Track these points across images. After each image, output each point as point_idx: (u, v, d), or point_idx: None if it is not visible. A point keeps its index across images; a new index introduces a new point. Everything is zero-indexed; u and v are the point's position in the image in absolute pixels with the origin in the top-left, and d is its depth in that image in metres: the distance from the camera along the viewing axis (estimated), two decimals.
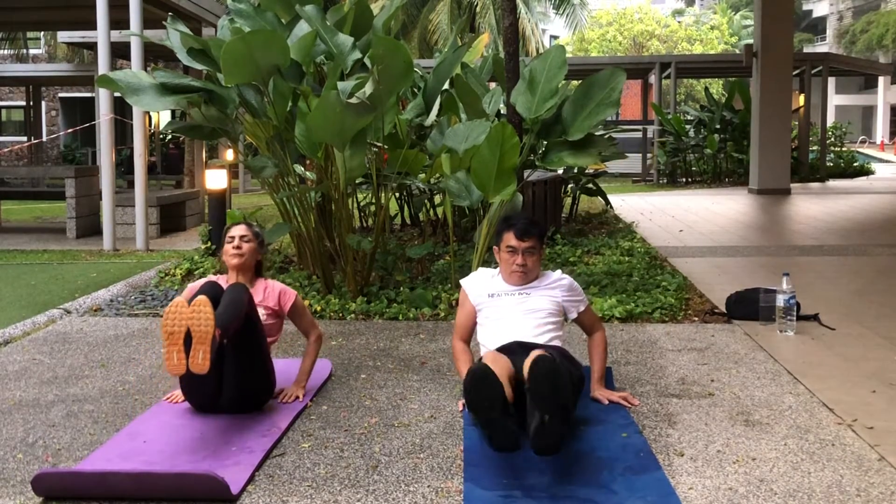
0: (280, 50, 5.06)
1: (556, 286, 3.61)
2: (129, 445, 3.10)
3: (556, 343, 3.47)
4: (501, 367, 3.07)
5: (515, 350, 3.33)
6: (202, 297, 3.07)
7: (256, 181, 13.80)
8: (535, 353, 2.93)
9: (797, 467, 2.87)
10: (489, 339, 3.52)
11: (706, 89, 23.21)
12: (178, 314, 3.04)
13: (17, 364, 4.30)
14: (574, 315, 3.65)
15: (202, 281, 3.66)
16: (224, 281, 3.72)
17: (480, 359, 3.33)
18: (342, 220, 5.82)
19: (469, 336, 3.69)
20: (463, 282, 3.76)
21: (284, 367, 4.01)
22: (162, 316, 3.07)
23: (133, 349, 4.58)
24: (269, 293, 3.75)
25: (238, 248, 3.70)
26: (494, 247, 3.68)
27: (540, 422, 2.67)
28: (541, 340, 3.42)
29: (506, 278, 3.62)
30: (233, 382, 3.36)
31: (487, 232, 5.46)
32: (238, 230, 3.76)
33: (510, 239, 3.55)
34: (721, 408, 3.50)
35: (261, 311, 3.66)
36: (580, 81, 5.91)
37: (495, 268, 3.74)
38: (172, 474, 2.76)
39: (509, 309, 3.54)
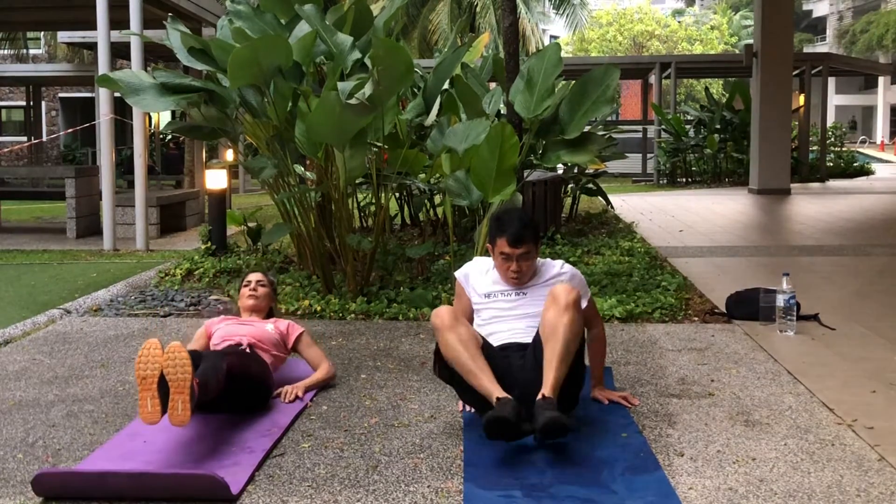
0: (284, 53, 5.07)
1: (557, 281, 3.49)
2: (129, 445, 3.10)
3: None
4: (462, 330, 3.16)
5: (515, 350, 3.31)
6: (176, 343, 2.87)
7: (256, 181, 13.80)
8: (544, 415, 2.89)
9: (797, 467, 2.87)
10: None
11: (706, 89, 23.22)
12: (150, 357, 2.85)
13: (17, 364, 4.30)
14: None
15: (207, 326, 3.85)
16: (236, 321, 3.87)
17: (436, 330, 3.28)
18: (342, 220, 5.82)
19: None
20: (457, 274, 3.65)
21: (285, 366, 4.01)
22: (139, 353, 2.90)
23: (133, 349, 4.57)
24: (279, 322, 3.93)
25: (254, 290, 3.98)
26: (489, 245, 3.57)
27: (542, 439, 2.87)
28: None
29: (502, 276, 3.55)
30: (231, 385, 3.36)
31: (487, 232, 5.45)
32: (255, 276, 4.08)
33: (503, 245, 3.41)
34: (721, 408, 3.50)
35: (270, 326, 3.83)
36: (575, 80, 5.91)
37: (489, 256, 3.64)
38: (172, 474, 2.76)
39: (505, 311, 3.46)
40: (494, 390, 3.01)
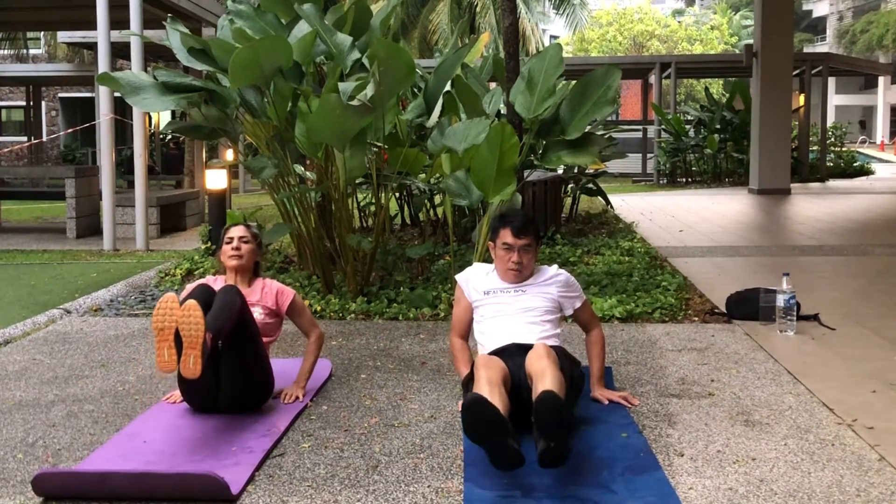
0: (284, 53, 5.07)
1: (552, 282, 3.58)
2: (129, 445, 3.10)
3: (554, 342, 3.45)
4: (496, 372, 3.02)
5: (514, 352, 3.31)
6: (192, 302, 3.02)
7: (256, 181, 13.81)
8: (540, 389, 2.82)
9: (797, 467, 2.87)
10: (486, 340, 3.50)
11: (706, 89, 23.21)
12: (168, 311, 3.03)
13: (17, 364, 4.30)
14: (570, 311, 3.63)
15: (197, 283, 3.70)
16: (222, 281, 3.73)
17: (474, 366, 3.27)
18: (342, 220, 5.82)
19: (466, 333, 3.67)
20: (458, 277, 3.73)
21: (284, 366, 4.01)
22: (156, 306, 3.08)
23: (133, 349, 4.58)
24: (266, 293, 3.75)
25: (237, 248, 3.70)
26: (490, 242, 3.63)
27: (546, 447, 2.65)
28: (538, 341, 3.39)
29: (501, 275, 3.59)
30: (230, 384, 3.36)
31: (487, 232, 5.45)
32: (237, 231, 3.76)
33: (506, 236, 3.51)
34: (721, 408, 3.50)
35: (258, 311, 3.67)
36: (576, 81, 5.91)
37: (492, 263, 3.71)
38: (172, 474, 2.76)
39: (504, 307, 3.51)
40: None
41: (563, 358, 3.24)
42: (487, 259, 5.32)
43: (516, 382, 3.15)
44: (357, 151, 5.37)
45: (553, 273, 3.62)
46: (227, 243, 3.73)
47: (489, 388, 2.92)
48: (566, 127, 5.54)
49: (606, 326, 4.91)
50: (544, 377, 2.92)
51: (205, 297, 3.30)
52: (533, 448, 2.74)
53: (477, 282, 3.64)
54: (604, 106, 5.46)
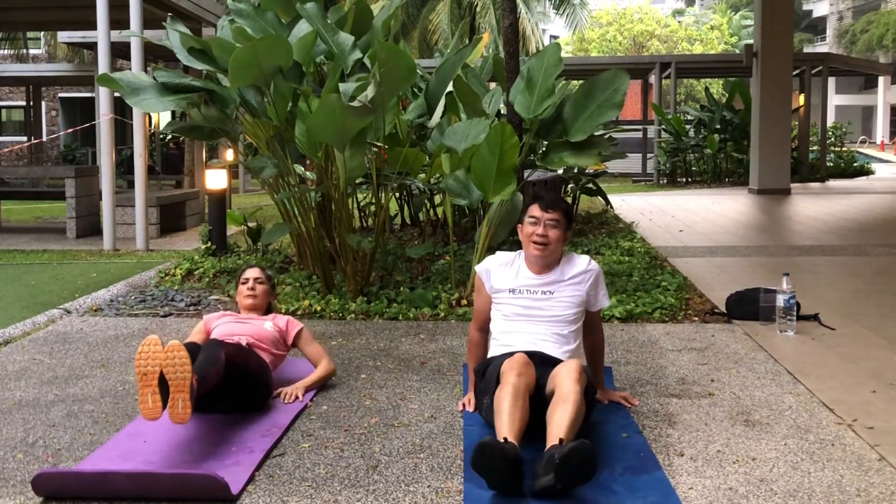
0: (284, 53, 5.08)
1: (582, 280, 3.40)
2: (130, 445, 3.10)
3: (578, 355, 3.34)
4: (524, 381, 2.92)
5: (539, 362, 3.14)
6: (176, 342, 2.88)
7: (256, 181, 13.81)
8: (555, 426, 2.74)
9: (797, 467, 2.87)
10: (509, 340, 3.34)
11: (706, 89, 23.20)
12: (151, 354, 2.86)
13: (17, 364, 4.30)
14: (594, 309, 3.48)
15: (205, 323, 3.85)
16: (234, 318, 3.86)
17: (489, 364, 3.21)
18: (342, 220, 5.82)
19: (487, 325, 3.51)
20: (478, 269, 3.54)
21: (286, 365, 4.01)
22: (139, 350, 2.91)
23: (133, 349, 4.57)
24: (277, 318, 3.90)
25: (252, 289, 3.93)
26: (518, 224, 3.48)
27: (551, 486, 2.56)
28: (564, 357, 3.27)
29: (527, 258, 3.42)
30: (230, 384, 3.36)
31: (487, 232, 5.46)
32: (252, 273, 3.99)
33: (534, 210, 3.37)
34: (721, 408, 3.50)
35: (269, 324, 3.81)
36: (582, 82, 5.89)
37: (515, 250, 3.54)
38: (172, 474, 2.76)
39: (529, 311, 3.35)
40: (506, 433, 2.75)
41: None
42: None
43: (536, 388, 3.03)
44: (357, 151, 5.37)
45: (584, 268, 3.42)
46: (243, 283, 3.96)
47: (513, 399, 2.84)
48: (569, 128, 5.52)
49: (606, 326, 4.91)
50: (567, 403, 2.82)
51: (189, 349, 3.20)
52: (536, 448, 2.74)
53: (498, 275, 3.45)
54: (609, 109, 5.38)
